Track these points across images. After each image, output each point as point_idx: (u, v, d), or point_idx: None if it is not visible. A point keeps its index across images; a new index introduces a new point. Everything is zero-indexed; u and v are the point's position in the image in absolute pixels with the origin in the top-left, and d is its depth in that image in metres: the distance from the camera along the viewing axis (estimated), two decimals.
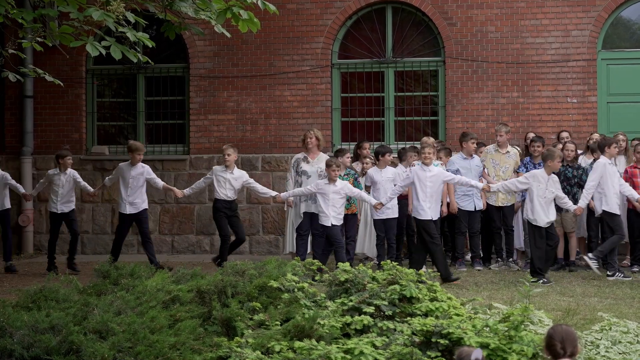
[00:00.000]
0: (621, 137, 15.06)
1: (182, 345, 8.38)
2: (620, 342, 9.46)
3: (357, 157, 15.71)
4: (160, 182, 14.92)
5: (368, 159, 15.31)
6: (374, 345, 8.53)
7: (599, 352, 9.23)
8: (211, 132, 17.61)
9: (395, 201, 14.57)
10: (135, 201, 14.61)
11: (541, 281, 13.10)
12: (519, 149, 15.46)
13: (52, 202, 15.09)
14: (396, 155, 15.36)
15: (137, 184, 14.61)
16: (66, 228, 15.41)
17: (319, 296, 9.54)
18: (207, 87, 17.66)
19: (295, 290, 9.51)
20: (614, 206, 13.76)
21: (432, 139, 15.30)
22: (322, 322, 8.80)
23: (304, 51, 17.38)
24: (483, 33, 16.93)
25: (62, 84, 13.86)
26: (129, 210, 14.61)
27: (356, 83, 17.65)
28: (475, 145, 15.02)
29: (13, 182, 15.53)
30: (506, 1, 16.82)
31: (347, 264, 10.15)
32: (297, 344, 8.41)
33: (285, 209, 15.79)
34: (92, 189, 15.45)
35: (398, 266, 9.89)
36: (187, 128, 17.90)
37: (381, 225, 14.89)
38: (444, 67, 17.15)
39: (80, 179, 15.22)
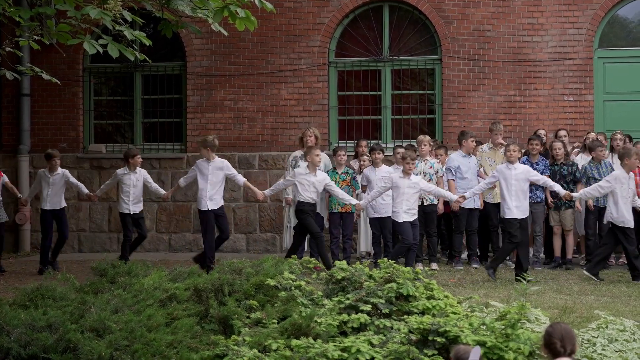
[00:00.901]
0: (619, 136, 15.08)
1: (179, 343, 8.39)
2: (616, 340, 9.48)
3: (357, 155, 15.74)
4: (241, 179, 14.65)
5: (365, 157, 15.32)
6: (370, 344, 8.53)
7: (595, 350, 9.24)
8: (208, 131, 17.57)
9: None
10: (215, 197, 14.36)
11: None
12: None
13: (42, 201, 15.05)
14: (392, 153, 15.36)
15: (217, 180, 14.33)
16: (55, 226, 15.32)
17: (316, 294, 9.55)
18: (204, 86, 17.67)
19: (292, 288, 9.52)
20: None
21: (428, 137, 15.31)
22: (319, 321, 8.80)
23: (300, 49, 17.39)
24: (480, 31, 16.95)
25: (59, 82, 13.83)
26: (210, 206, 14.40)
27: (353, 81, 17.66)
28: (474, 143, 15.03)
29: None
30: (503, 0, 16.83)
31: (344, 262, 10.17)
32: (294, 342, 8.42)
33: (284, 206, 15.82)
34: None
35: (394, 264, 9.90)
36: (184, 126, 17.90)
37: (377, 224, 14.92)
38: (441, 66, 17.16)
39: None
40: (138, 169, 14.91)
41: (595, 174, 14.42)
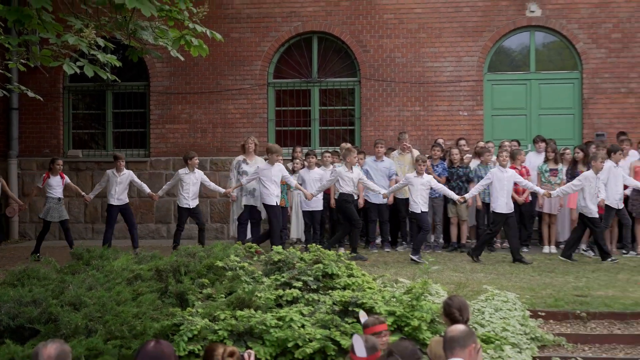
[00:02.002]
0: (507, 143, 15.27)
1: (143, 314, 8.35)
2: (501, 309, 9.64)
3: (293, 159, 15.77)
4: (293, 181, 14.55)
5: (298, 160, 15.36)
6: (301, 313, 8.59)
7: (484, 317, 9.40)
8: (168, 139, 17.52)
9: (320, 195, 14.64)
10: (257, 194, 14.38)
11: (610, 260, 13.39)
12: (416, 151, 15.59)
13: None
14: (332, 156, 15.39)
15: (279, 180, 14.24)
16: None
17: (257, 273, 9.57)
18: (164, 102, 17.56)
19: (237, 268, 9.54)
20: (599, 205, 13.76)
21: (349, 145, 15.34)
22: (259, 295, 8.84)
23: (244, 72, 17.35)
24: (391, 58, 17.05)
25: (42, 98, 13.67)
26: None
27: (288, 99, 17.65)
28: (384, 149, 15.10)
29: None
30: (410, 32, 16.93)
31: (280, 247, 10.18)
32: (239, 312, 8.46)
33: (230, 202, 15.79)
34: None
35: (321, 248, 9.93)
36: (147, 135, 17.77)
37: (309, 215, 14.97)
38: (360, 86, 17.22)
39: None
40: (196, 170, 14.66)
41: (482, 174, 14.58)
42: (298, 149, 15.93)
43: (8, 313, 8.06)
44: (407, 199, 14.74)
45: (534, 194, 14.41)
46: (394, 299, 8.84)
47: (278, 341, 8.16)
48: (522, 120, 17.02)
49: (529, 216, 15.02)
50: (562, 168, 14.78)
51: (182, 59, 12.81)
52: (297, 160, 15.40)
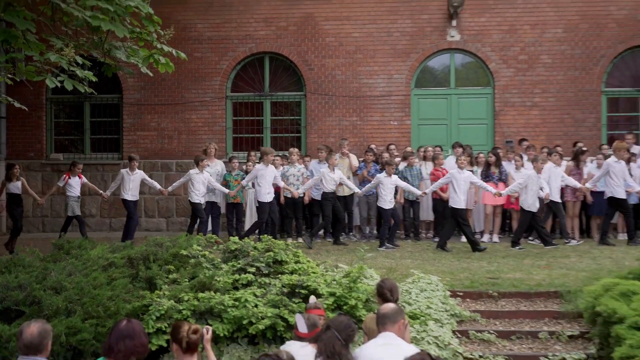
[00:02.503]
0: (430, 148, 15.47)
1: (117, 297, 8.30)
2: (425, 290, 9.72)
3: (247, 161, 15.69)
4: (282, 183, 14.56)
5: (251, 163, 15.30)
6: (255, 295, 8.61)
7: (411, 297, 9.47)
8: (139, 144, 17.35)
9: (272, 192, 14.60)
10: (270, 191, 14.21)
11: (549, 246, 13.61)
12: (354, 155, 15.65)
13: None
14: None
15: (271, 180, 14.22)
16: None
17: (216, 260, 9.54)
18: (135, 112, 17.38)
19: (199, 256, 9.50)
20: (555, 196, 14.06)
21: (296, 149, 15.36)
22: (218, 279, 8.83)
23: (206, 87, 17.25)
24: (332, 75, 17.09)
25: (27, 108, 13.51)
26: (268, 198, 14.19)
27: (243, 110, 17.57)
28: (325, 154, 15.09)
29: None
30: (348, 54, 16.99)
31: (237, 237, 10.15)
32: (200, 294, 8.44)
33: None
34: (158, 186, 15.18)
35: (272, 239, 9.93)
36: (121, 141, 17.56)
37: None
38: (305, 99, 17.23)
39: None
40: (204, 171, 14.50)
41: (408, 175, 14.71)
42: (252, 153, 15.86)
43: None
44: (346, 197, 14.86)
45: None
46: (335, 282, 8.87)
47: (234, 319, 8.15)
48: (444, 129, 17.15)
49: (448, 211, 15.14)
50: (477, 170, 14.93)
51: (151, 74, 12.76)
52: (250, 163, 15.36)
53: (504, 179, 14.67)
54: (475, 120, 17.12)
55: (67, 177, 14.72)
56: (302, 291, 8.57)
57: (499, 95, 16.88)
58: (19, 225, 14.27)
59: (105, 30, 10.64)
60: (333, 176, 14.21)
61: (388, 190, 13.94)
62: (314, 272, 9.17)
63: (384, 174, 14.04)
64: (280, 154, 15.73)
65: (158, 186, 15.11)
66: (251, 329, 8.11)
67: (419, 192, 14.32)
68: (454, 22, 16.79)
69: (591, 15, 16.65)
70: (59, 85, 10.34)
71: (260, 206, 14.26)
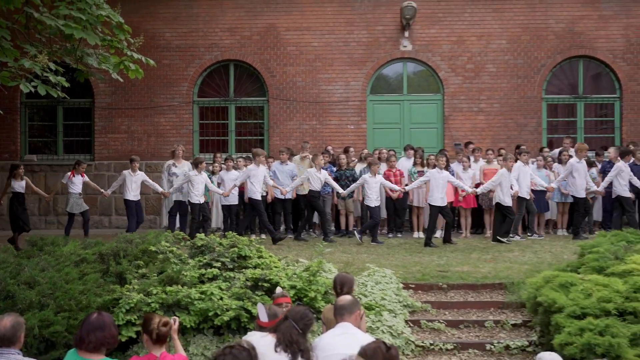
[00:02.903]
0: (384, 151, 15.49)
1: (88, 291, 8.22)
2: (380, 282, 9.75)
3: (213, 162, 15.62)
4: (270, 181, 14.49)
5: (217, 164, 15.23)
6: (220, 288, 8.57)
7: (367, 289, 9.47)
8: (110, 146, 17.16)
9: (236, 191, 14.56)
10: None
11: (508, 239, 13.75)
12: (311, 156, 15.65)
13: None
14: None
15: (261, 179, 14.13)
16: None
17: (183, 256, 9.46)
18: (107, 115, 17.17)
19: (167, 252, 9.42)
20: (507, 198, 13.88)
21: (261, 150, 15.27)
22: (185, 274, 8.77)
23: (174, 92, 17.12)
24: (293, 82, 17.07)
25: (1, 112, 13.25)
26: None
27: (209, 114, 17.47)
28: (287, 155, 15.09)
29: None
30: (308, 62, 17.00)
31: (203, 234, 10.09)
32: (168, 288, 8.38)
33: (162, 198, 15.63)
34: (160, 189, 15.01)
35: (237, 235, 9.89)
36: (92, 143, 17.33)
37: (227, 209, 14.88)
38: (268, 104, 17.18)
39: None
40: (203, 172, 14.31)
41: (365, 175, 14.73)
42: (218, 154, 15.79)
43: None
44: (305, 195, 14.81)
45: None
46: (295, 275, 8.85)
47: (201, 311, 8.10)
48: (397, 133, 17.22)
49: (401, 208, 15.22)
50: (427, 170, 15.01)
51: (122, 80, 12.58)
52: (216, 164, 15.28)
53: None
54: (426, 124, 17.21)
55: (71, 175, 14.53)
56: (265, 284, 8.54)
57: (448, 101, 17.01)
58: (20, 224, 14.04)
59: (77, 38, 10.53)
60: (319, 176, 14.18)
61: (373, 189, 14.04)
62: (276, 267, 9.14)
63: (368, 174, 14.15)
64: (244, 156, 15.69)
65: (159, 188, 14.93)
66: (216, 321, 8.06)
67: (397, 188, 14.43)
68: (406, 33, 16.88)
69: (532, 28, 16.88)
70: (32, 90, 10.22)
71: (254, 203, 14.10)
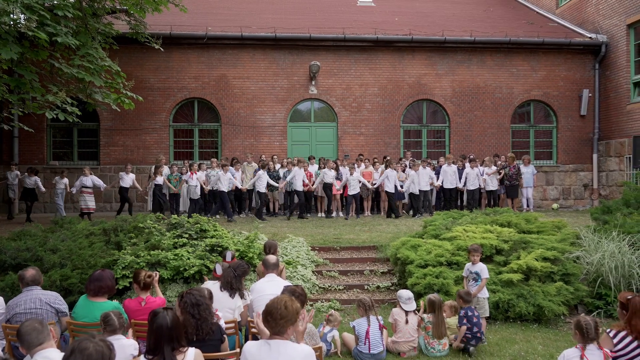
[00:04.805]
0: (296, 161, 15.45)
1: (95, 255, 8.01)
2: (295, 246, 9.81)
3: (183, 166, 15.27)
4: (234, 181, 14.39)
5: (185, 168, 14.90)
6: (188, 252, 8.41)
7: (287, 251, 9.50)
8: (110, 155, 16.52)
9: (199, 189, 14.25)
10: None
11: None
12: (255, 163, 15.52)
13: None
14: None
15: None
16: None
17: (162, 230, 9.26)
18: (109, 134, 16.51)
19: (151, 227, 9.20)
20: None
21: (215, 159, 15.00)
22: (164, 242, 8.59)
23: (156, 119, 16.63)
24: (238, 113, 16.86)
25: (33, 131, 12.72)
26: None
27: (180, 134, 17.06)
28: (236, 162, 14.88)
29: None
30: (248, 99, 16.83)
31: (176, 215, 9.89)
32: (152, 252, 8.22)
33: (148, 187, 15.21)
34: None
35: (200, 216, 9.76)
36: (98, 153, 16.63)
37: (194, 201, 14.52)
38: (221, 128, 16.92)
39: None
40: (228, 170, 14.24)
41: (287, 174, 14.66)
42: (186, 162, 15.46)
43: (11, 256, 7.58)
44: (252, 190, 14.66)
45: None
46: (239, 242, 8.82)
47: (174, 267, 7.98)
48: (307, 147, 17.26)
49: (311, 197, 15.27)
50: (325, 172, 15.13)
51: (119, 110, 12.27)
52: (185, 168, 14.97)
53: (340, 178, 14.90)
54: (326, 142, 17.32)
55: (191, 174, 14.33)
56: (219, 249, 8.48)
57: (341, 127, 17.20)
58: (162, 205, 14.00)
59: (87, 80, 10.30)
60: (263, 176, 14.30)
61: (355, 183, 14.36)
62: (226, 237, 9.09)
63: (348, 174, 14.49)
64: (206, 163, 15.45)
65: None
66: (185, 274, 7.96)
67: (369, 186, 14.62)
68: (313, 82, 16.98)
69: (394, 80, 17.29)
70: (55, 116, 10.05)
71: (221, 195, 13.89)
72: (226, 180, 13.94)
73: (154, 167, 14.59)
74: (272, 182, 14.33)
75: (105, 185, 14.69)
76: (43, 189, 14.68)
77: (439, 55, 17.26)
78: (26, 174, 14.53)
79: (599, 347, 4.62)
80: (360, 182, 14.50)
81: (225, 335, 4.72)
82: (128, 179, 14.46)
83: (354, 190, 14.38)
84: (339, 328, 6.72)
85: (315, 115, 17.40)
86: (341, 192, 14.84)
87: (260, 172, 14.16)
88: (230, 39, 16.44)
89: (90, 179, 14.18)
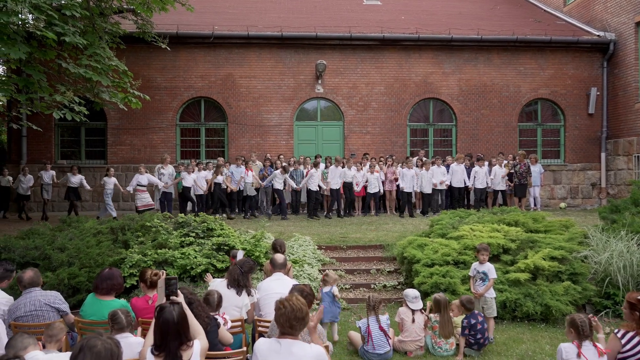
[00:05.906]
0: (319, 159, 15.45)
1: (103, 253, 8.03)
2: (302, 245, 9.80)
3: (188, 166, 15.28)
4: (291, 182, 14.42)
5: (191, 167, 14.93)
6: (194, 250, 8.43)
7: (294, 249, 9.50)
8: (118, 154, 16.59)
9: (172, 188, 14.25)
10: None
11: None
12: (260, 162, 15.53)
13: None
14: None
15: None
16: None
17: (169, 228, 9.29)
18: (116, 133, 16.59)
19: (158, 226, 9.22)
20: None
21: (222, 158, 15.02)
22: (171, 241, 8.62)
23: (163, 117, 16.68)
24: (245, 112, 16.88)
25: (41, 129, 12.76)
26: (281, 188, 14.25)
27: (187, 133, 17.10)
28: (240, 161, 14.89)
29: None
30: (254, 98, 16.85)
31: (183, 214, 9.91)
32: (159, 251, 8.24)
33: (160, 189, 15.24)
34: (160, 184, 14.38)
35: (206, 215, 9.77)
36: (106, 152, 16.71)
37: (191, 196, 14.51)
38: (228, 127, 16.95)
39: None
40: (240, 168, 14.46)
41: (294, 175, 14.66)
42: (193, 161, 15.50)
43: (19, 255, 7.62)
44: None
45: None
46: (246, 241, 8.83)
47: (181, 266, 8.00)
48: (314, 146, 17.25)
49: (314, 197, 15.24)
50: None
51: (126, 109, 12.31)
52: (190, 167, 15.00)
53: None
54: (333, 141, 17.31)
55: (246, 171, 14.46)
56: (225, 247, 8.50)
57: (347, 126, 17.18)
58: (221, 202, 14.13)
59: (95, 80, 10.32)
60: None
61: (375, 182, 14.56)
62: (232, 235, 9.10)
63: (314, 170, 14.52)
64: (213, 162, 15.48)
65: (160, 184, 14.28)
66: (192, 272, 7.99)
67: (358, 187, 14.64)
68: (319, 81, 16.97)
69: (400, 79, 17.26)
70: (62, 116, 10.06)
71: (278, 193, 14.20)
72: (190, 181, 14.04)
73: (214, 166, 14.52)
74: (292, 184, 14.36)
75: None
76: (88, 187, 14.78)
77: (446, 54, 17.20)
78: (71, 173, 14.48)
79: (594, 344, 4.67)
80: (383, 181, 14.80)
81: (219, 321, 4.82)
82: (189, 179, 14.19)
83: (373, 189, 14.47)
84: (342, 323, 6.71)
85: (321, 114, 17.37)
86: (357, 191, 14.87)
87: (277, 172, 14.22)
88: (237, 38, 16.46)
89: (146, 177, 13.91)
